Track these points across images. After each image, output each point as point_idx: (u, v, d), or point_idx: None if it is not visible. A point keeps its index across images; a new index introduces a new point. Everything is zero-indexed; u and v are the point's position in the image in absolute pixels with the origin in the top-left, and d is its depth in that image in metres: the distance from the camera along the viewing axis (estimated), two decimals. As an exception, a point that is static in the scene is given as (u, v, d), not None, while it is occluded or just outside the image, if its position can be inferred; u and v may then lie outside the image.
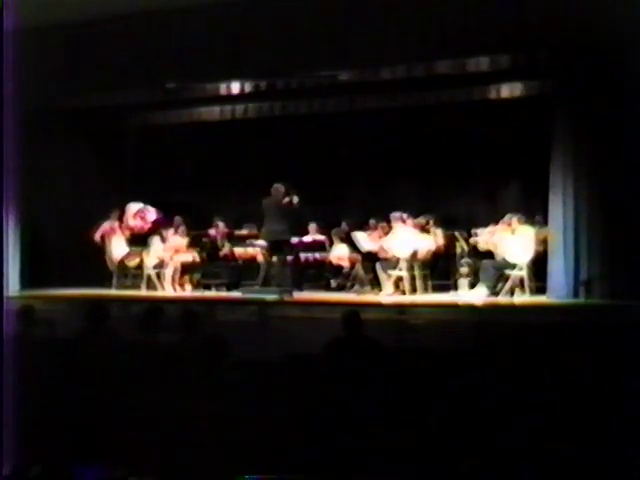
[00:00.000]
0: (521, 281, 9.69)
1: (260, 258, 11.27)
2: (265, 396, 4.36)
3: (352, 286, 10.84)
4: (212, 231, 11.89)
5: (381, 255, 10.33)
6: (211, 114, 12.32)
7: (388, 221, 10.47)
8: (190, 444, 4.18)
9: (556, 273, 9.23)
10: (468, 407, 4.32)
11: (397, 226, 10.26)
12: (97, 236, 11.46)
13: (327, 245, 11.26)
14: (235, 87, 11.08)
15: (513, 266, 9.70)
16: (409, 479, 4.11)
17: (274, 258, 10.51)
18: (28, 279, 10.91)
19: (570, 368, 4.76)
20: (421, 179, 12.14)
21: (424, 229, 10.64)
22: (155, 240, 11.38)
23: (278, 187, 10.18)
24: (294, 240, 11.04)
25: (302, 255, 11.26)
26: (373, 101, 11.41)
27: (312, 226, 11.55)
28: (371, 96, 11.31)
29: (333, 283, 11.17)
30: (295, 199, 10.08)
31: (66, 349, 5.41)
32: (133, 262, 11.53)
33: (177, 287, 11.15)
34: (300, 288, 10.81)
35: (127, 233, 11.65)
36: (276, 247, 10.32)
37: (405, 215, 10.40)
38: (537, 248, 9.79)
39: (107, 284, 11.47)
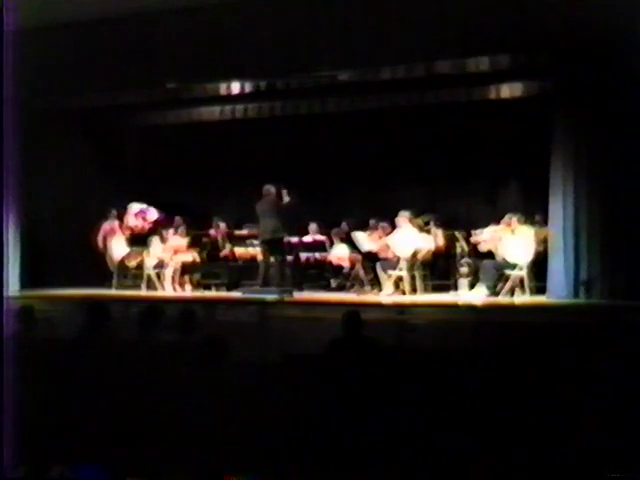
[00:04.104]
0: (521, 281, 9.69)
1: (260, 258, 11.28)
2: (265, 396, 4.36)
3: (352, 286, 10.84)
4: (212, 231, 11.90)
5: (382, 255, 10.33)
6: (211, 114, 12.32)
7: (389, 221, 10.47)
8: (189, 444, 4.18)
9: (556, 273, 9.23)
10: (468, 407, 4.32)
11: (403, 225, 10.24)
12: (99, 237, 11.47)
13: (327, 245, 11.26)
14: (235, 87, 11.08)
15: (513, 266, 9.70)
16: (409, 479, 4.11)
17: (272, 258, 10.52)
18: (28, 279, 10.92)
19: (570, 368, 4.76)
20: (421, 179, 12.15)
21: (424, 229, 10.64)
22: (154, 240, 11.39)
23: (269, 188, 10.24)
24: (294, 240, 11.06)
25: (302, 255, 11.27)
26: (373, 101, 11.41)
27: (312, 226, 11.55)
28: (371, 96, 11.31)
29: (333, 283, 11.18)
30: (286, 197, 10.14)
31: (66, 349, 5.41)
32: (133, 262, 11.54)
33: (177, 287, 11.16)
34: (300, 288, 10.82)
35: (127, 233, 11.67)
36: (272, 246, 10.34)
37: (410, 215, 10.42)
38: (537, 248, 9.79)
39: (107, 284, 11.48)
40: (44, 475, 4.15)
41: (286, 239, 10.68)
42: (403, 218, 10.26)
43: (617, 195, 8.81)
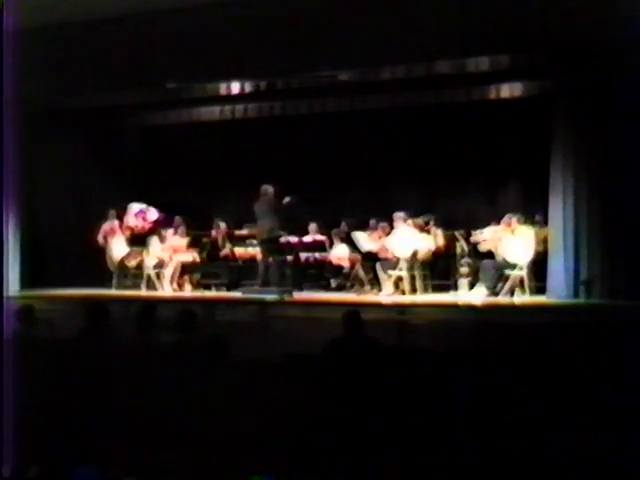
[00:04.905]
0: (521, 281, 9.69)
1: (260, 258, 11.27)
2: (265, 396, 4.36)
3: (352, 286, 10.84)
4: (212, 231, 11.89)
5: (382, 255, 10.33)
6: (211, 114, 12.32)
7: (389, 221, 10.47)
8: (189, 444, 4.18)
9: (556, 273, 9.23)
10: (468, 407, 4.32)
11: (400, 226, 10.25)
12: (100, 237, 11.48)
13: (327, 245, 11.25)
14: (235, 87, 11.08)
15: (513, 266, 9.70)
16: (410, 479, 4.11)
17: (270, 258, 10.51)
18: (28, 279, 10.91)
19: (570, 368, 4.75)
20: (421, 179, 12.14)
21: (424, 229, 10.64)
22: (153, 240, 11.39)
23: (267, 188, 10.24)
24: (294, 240, 11.05)
25: (302, 255, 11.27)
26: (373, 101, 11.40)
27: (312, 226, 11.54)
28: (371, 96, 11.30)
29: (333, 283, 11.17)
30: (286, 199, 10.14)
31: (66, 349, 5.41)
32: (133, 262, 11.54)
33: (177, 287, 11.16)
34: (300, 288, 10.82)
35: (127, 233, 11.66)
36: (270, 245, 10.34)
37: (406, 215, 10.41)
38: (537, 248, 9.79)
39: (107, 284, 11.48)
40: (43, 474, 4.15)
41: (286, 239, 10.67)
42: (398, 219, 10.27)
43: (617, 195, 8.81)
